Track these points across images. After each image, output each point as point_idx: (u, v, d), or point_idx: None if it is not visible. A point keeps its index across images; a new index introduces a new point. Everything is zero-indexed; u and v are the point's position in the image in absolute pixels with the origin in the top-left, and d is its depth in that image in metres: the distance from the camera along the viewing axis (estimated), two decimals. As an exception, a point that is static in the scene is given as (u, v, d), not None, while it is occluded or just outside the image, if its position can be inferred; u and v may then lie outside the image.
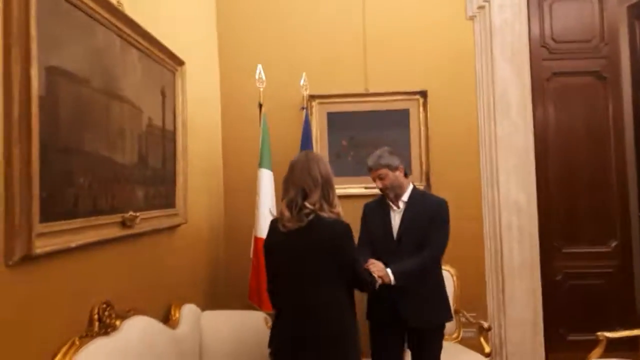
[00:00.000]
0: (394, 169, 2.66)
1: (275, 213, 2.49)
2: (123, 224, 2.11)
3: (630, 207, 4.05)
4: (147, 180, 2.37)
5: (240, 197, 3.78)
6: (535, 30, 3.94)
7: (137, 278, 2.33)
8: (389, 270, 2.49)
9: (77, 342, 1.75)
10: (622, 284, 4.01)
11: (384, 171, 2.65)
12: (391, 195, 2.68)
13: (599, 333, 3.11)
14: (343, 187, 3.80)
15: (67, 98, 1.74)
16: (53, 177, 1.64)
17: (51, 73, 1.64)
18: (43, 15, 1.60)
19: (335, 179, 3.71)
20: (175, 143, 2.71)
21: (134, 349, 1.97)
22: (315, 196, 2.05)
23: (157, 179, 2.50)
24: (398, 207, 2.70)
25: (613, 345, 3.12)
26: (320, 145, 3.86)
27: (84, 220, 1.81)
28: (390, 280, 2.47)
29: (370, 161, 2.70)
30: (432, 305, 2.66)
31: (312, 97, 3.82)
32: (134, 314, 2.13)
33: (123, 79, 2.16)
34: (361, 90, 3.87)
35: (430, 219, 2.62)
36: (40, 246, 1.54)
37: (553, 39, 3.97)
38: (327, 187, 2.10)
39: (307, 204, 2.03)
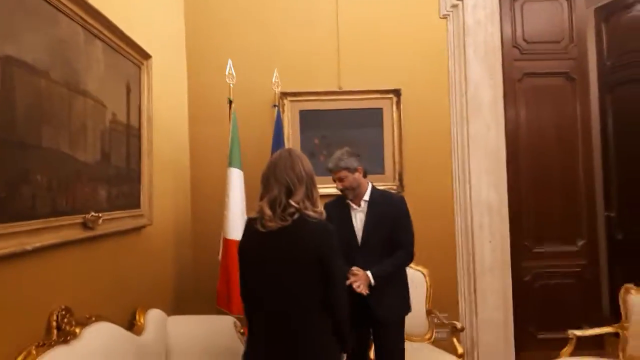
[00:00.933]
0: (353, 170, 2.70)
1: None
2: (84, 226, 1.99)
3: (597, 206, 4.13)
4: (110, 179, 2.25)
5: (209, 197, 3.66)
6: (507, 30, 3.97)
7: (99, 282, 2.21)
8: (369, 273, 2.60)
9: (34, 352, 1.63)
10: (589, 283, 4.08)
11: (343, 173, 2.70)
12: (350, 195, 2.74)
13: (569, 331, 3.15)
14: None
15: (24, 90, 1.62)
16: (7, 174, 1.52)
17: (6, 63, 1.52)
18: (0, 2, 1.48)
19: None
20: (140, 140, 2.59)
21: (95, 357, 1.86)
22: (300, 194, 1.93)
23: (121, 177, 2.38)
24: (359, 206, 2.76)
25: (581, 343, 3.18)
26: (292, 144, 3.78)
27: (42, 222, 1.69)
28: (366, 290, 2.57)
29: (331, 163, 2.75)
30: (398, 298, 2.78)
31: (284, 95, 3.74)
32: (95, 321, 2.01)
33: (86, 72, 2.04)
34: (334, 88, 3.82)
35: (394, 217, 2.71)
36: (-7, 249, 1.43)
37: (524, 40, 4.00)
38: (310, 186, 1.99)
39: (292, 202, 1.91)
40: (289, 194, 1.93)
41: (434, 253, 3.77)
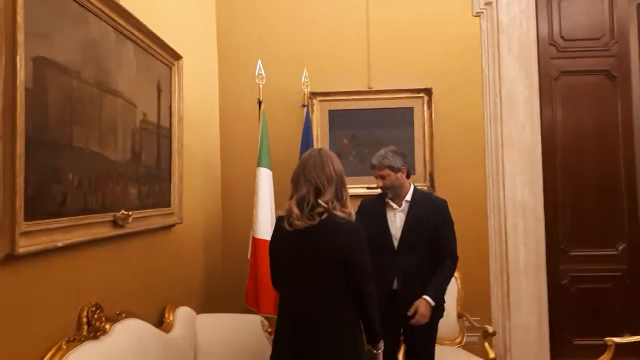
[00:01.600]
0: (396, 170, 2.67)
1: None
2: (114, 223, 2.03)
3: (638, 209, 3.95)
4: (140, 178, 2.28)
5: (239, 196, 3.69)
6: (544, 27, 3.85)
7: (129, 279, 2.25)
8: (427, 298, 2.56)
9: (64, 347, 1.67)
10: (629, 288, 3.91)
11: (386, 171, 2.66)
12: (390, 194, 2.70)
13: (607, 338, 3.02)
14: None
15: (56, 90, 1.66)
16: (40, 173, 1.56)
17: (39, 64, 1.56)
18: (32, 3, 1.52)
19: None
20: (171, 140, 2.62)
21: (124, 353, 1.89)
22: (329, 194, 1.91)
23: (151, 176, 2.42)
24: (399, 206, 2.70)
25: (620, 351, 3.04)
26: (321, 144, 3.77)
27: (73, 219, 1.73)
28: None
29: (375, 160, 2.71)
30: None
31: (313, 95, 3.73)
32: (125, 317, 2.05)
33: (117, 73, 2.08)
34: (364, 88, 3.79)
35: (435, 220, 2.65)
36: (24, 245, 1.46)
37: (562, 37, 3.87)
38: (340, 186, 1.96)
39: (320, 202, 1.89)
40: (318, 193, 1.91)
41: (466, 255, 3.63)
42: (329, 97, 3.78)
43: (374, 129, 3.79)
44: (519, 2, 3.69)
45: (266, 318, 2.85)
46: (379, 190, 2.77)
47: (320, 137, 3.79)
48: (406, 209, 2.69)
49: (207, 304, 3.31)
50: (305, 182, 1.93)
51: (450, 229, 2.70)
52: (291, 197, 1.98)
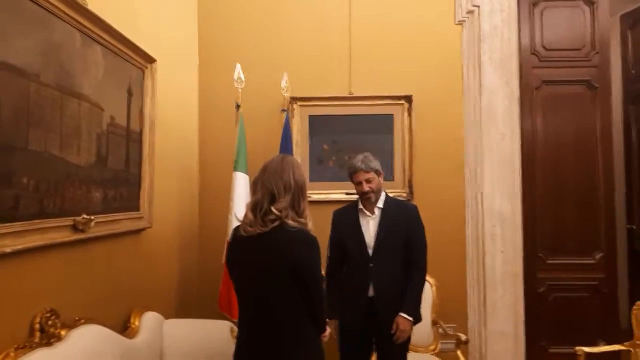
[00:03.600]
0: (379, 174, 2.71)
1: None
2: (74, 228, 2.00)
3: (616, 219, 3.96)
4: (106, 182, 2.26)
5: (217, 200, 3.66)
6: (526, 37, 3.84)
7: (91, 284, 2.22)
8: (405, 316, 2.60)
9: (13, 354, 1.65)
10: (606, 297, 3.91)
11: (372, 174, 2.66)
12: (373, 199, 2.68)
13: (577, 348, 3.03)
14: (324, 192, 3.72)
15: (11, 93, 1.64)
16: (-10, 177, 1.54)
17: (-8, 66, 1.54)
18: (-16, 5, 1.50)
19: (315, 184, 3.68)
20: (142, 144, 2.60)
21: (78, 359, 1.86)
22: (284, 202, 1.87)
23: (119, 180, 2.39)
24: (372, 214, 2.70)
25: (596, 359, 3.06)
26: (300, 149, 3.76)
27: (26, 224, 1.70)
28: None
29: (362, 163, 2.67)
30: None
31: (293, 99, 3.72)
32: (84, 323, 2.03)
33: (82, 76, 2.06)
34: (345, 94, 3.78)
35: (407, 226, 2.67)
36: (-31, 252, 1.44)
37: (543, 47, 3.87)
38: (298, 195, 1.92)
39: (273, 209, 1.86)
40: (272, 200, 1.88)
41: (443, 262, 3.67)
42: (309, 102, 3.77)
43: (355, 135, 3.78)
44: (501, 11, 3.69)
45: (235, 323, 2.83)
46: (356, 196, 2.79)
47: (300, 142, 3.78)
48: (379, 216, 2.69)
49: (180, 310, 3.29)
50: (262, 187, 1.91)
51: (421, 238, 2.72)
52: (249, 201, 1.97)
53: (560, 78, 3.87)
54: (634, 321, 2.97)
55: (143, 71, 2.63)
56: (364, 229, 2.70)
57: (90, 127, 2.12)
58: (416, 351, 3.35)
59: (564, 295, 3.91)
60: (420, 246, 2.71)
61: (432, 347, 3.43)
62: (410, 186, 3.76)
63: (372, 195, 2.67)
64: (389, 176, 3.78)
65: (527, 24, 3.86)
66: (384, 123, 3.79)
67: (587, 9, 3.88)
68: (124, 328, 2.43)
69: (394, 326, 2.58)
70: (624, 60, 4.27)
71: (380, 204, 2.71)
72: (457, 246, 3.78)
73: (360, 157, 2.70)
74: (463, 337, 3.28)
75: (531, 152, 3.85)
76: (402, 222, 2.67)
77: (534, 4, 3.88)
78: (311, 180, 3.63)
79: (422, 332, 3.38)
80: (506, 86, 3.71)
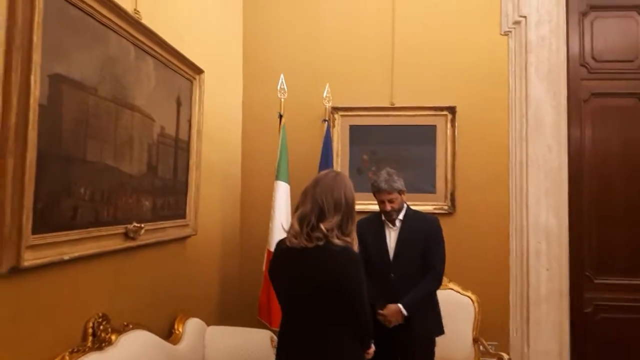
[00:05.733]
0: (402, 192, 2.74)
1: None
2: (126, 235, 2.06)
3: (670, 239, 3.78)
4: (155, 191, 2.32)
5: (259, 209, 3.70)
6: (575, 48, 3.74)
7: (139, 291, 2.28)
8: (400, 306, 2.61)
9: (67, 357, 1.70)
10: (658, 320, 3.74)
11: (395, 195, 2.70)
12: (395, 216, 2.74)
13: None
14: (363, 203, 3.69)
15: (72, 106, 1.71)
16: (50, 187, 1.60)
17: (55, 81, 1.61)
18: (49, 21, 1.57)
19: (355, 195, 3.67)
20: (189, 153, 2.66)
21: (128, 365, 1.91)
22: (333, 221, 1.85)
23: (167, 189, 2.45)
24: (394, 225, 2.76)
25: None
26: (341, 159, 3.76)
27: (83, 232, 1.76)
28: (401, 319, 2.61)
29: (385, 184, 2.70)
30: (427, 318, 2.73)
31: (334, 109, 3.73)
32: (133, 329, 2.08)
33: (135, 87, 2.12)
34: (386, 104, 3.76)
35: (425, 237, 2.72)
36: (30, 259, 1.50)
37: (593, 58, 3.75)
38: (347, 216, 1.90)
39: (321, 227, 1.84)
40: (321, 216, 1.86)
41: (485, 278, 3.61)
42: (351, 113, 3.77)
43: (395, 145, 3.75)
44: (549, 21, 3.61)
45: (275, 332, 2.85)
46: None
47: (340, 152, 3.78)
48: (399, 227, 2.75)
49: (221, 316, 3.33)
50: (312, 200, 1.89)
51: (439, 244, 2.75)
52: (296, 209, 1.95)
53: (610, 90, 3.75)
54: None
55: (191, 82, 2.69)
56: (387, 239, 2.77)
57: (142, 138, 2.19)
58: (457, 368, 3.29)
59: (613, 316, 3.75)
60: (439, 253, 2.74)
61: (472, 365, 3.35)
62: (453, 199, 3.70)
63: (394, 213, 2.73)
64: (431, 188, 3.73)
65: (577, 34, 3.76)
66: (426, 134, 3.75)
67: (639, 18, 3.75)
68: (169, 334, 2.48)
69: (385, 309, 2.61)
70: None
71: (401, 216, 2.77)
72: (500, 261, 3.69)
73: (384, 175, 2.73)
74: (505, 356, 3.19)
75: (579, 166, 3.73)
76: (422, 232, 2.73)
77: (584, 14, 3.77)
78: (351, 191, 3.62)
79: (462, 349, 3.32)
80: (553, 98, 3.62)
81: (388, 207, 2.69)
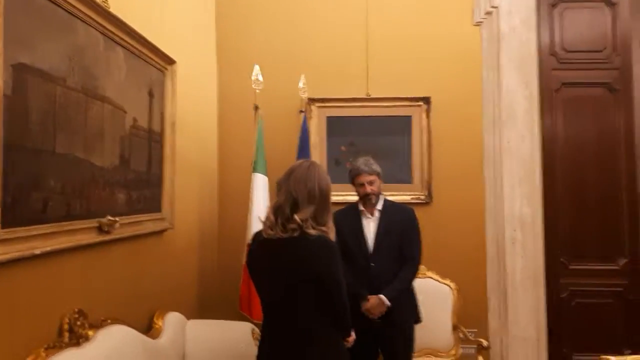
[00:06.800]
0: (381, 176, 2.80)
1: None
2: (100, 229, 2.02)
3: (638, 224, 3.89)
4: (129, 184, 2.28)
5: (236, 201, 3.69)
6: (545, 38, 3.79)
7: (116, 285, 2.24)
8: (382, 297, 2.64)
9: (43, 354, 1.66)
10: (631, 304, 3.84)
11: (374, 177, 2.76)
12: (374, 200, 2.78)
13: (603, 356, 2.96)
14: (341, 194, 3.71)
15: (39, 97, 1.66)
16: (19, 180, 1.56)
17: (19, 71, 1.56)
18: (13, 11, 1.52)
19: (333, 186, 3.67)
20: (163, 145, 2.62)
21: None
22: (307, 212, 1.85)
23: (141, 182, 2.42)
24: (372, 215, 2.80)
25: None
26: (318, 150, 3.77)
27: (55, 225, 1.72)
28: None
29: (365, 166, 2.76)
30: (404, 306, 2.76)
31: (311, 101, 3.73)
32: (110, 324, 2.04)
33: (105, 78, 2.08)
34: (362, 95, 3.77)
35: (404, 227, 2.79)
36: (0, 253, 1.45)
37: (563, 48, 3.81)
38: (322, 206, 1.90)
39: (296, 218, 1.84)
40: (294, 207, 1.86)
41: (462, 266, 3.67)
42: (327, 104, 3.78)
43: (372, 136, 3.78)
44: (519, 11, 3.64)
45: (259, 324, 2.84)
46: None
47: (318, 144, 3.78)
48: (378, 217, 2.80)
49: (201, 310, 3.31)
50: (286, 191, 1.90)
51: (417, 234, 2.83)
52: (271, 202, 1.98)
53: (580, 80, 3.81)
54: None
55: (164, 73, 2.66)
56: (365, 229, 2.79)
57: (113, 129, 2.15)
58: (437, 356, 3.34)
59: (587, 301, 3.83)
60: (416, 242, 2.82)
61: (452, 352, 3.41)
62: (429, 189, 3.75)
63: (374, 197, 2.77)
64: (407, 179, 3.77)
65: (547, 25, 3.81)
66: (402, 125, 3.78)
67: (608, 10, 3.83)
68: (148, 328, 2.45)
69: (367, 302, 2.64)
70: (646, 61, 4.19)
71: (379, 206, 2.81)
72: (477, 250, 3.74)
73: (362, 160, 2.81)
74: (484, 342, 3.26)
75: (551, 155, 3.79)
76: (400, 222, 2.79)
77: (553, 5, 3.83)
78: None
79: (442, 336, 3.38)
80: (525, 88, 3.66)
81: (368, 189, 2.72)
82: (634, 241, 3.83)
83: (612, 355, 2.95)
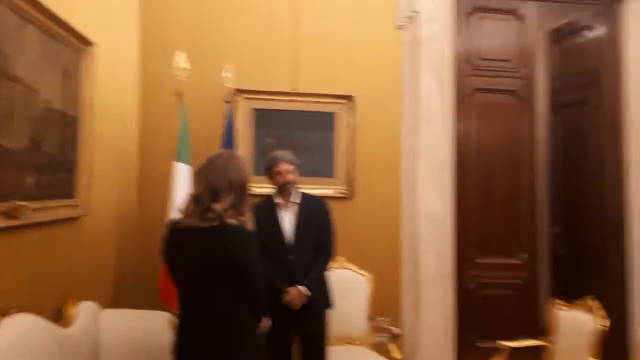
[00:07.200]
0: (297, 170, 2.90)
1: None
2: (6, 214, 1.94)
3: (537, 223, 4.26)
4: (41, 168, 2.20)
5: (158, 189, 3.57)
6: (462, 45, 4.05)
7: (25, 273, 2.16)
8: (302, 288, 2.76)
9: None
10: (527, 295, 4.21)
11: (293, 167, 2.87)
12: (291, 190, 2.88)
13: (499, 342, 3.25)
14: (268, 187, 3.74)
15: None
16: None
17: None
18: None
19: (259, 178, 3.71)
20: (79, 128, 2.54)
21: (9, 349, 1.80)
22: (226, 202, 1.89)
23: (54, 166, 2.33)
24: (288, 207, 2.91)
25: (519, 353, 3.30)
26: (244, 142, 3.76)
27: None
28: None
29: (287, 155, 2.88)
30: (320, 295, 2.89)
31: (238, 91, 3.71)
32: (16, 312, 1.96)
33: (16, 58, 1.99)
34: (289, 89, 3.82)
35: (320, 219, 2.93)
36: None
37: (477, 56, 4.10)
38: (240, 195, 1.95)
39: (214, 207, 1.88)
40: (214, 196, 1.89)
41: (380, 258, 3.82)
42: (254, 95, 3.79)
43: (298, 130, 3.84)
44: (438, 18, 3.85)
45: (175, 314, 2.82)
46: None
47: (244, 135, 3.78)
48: (295, 210, 2.90)
49: (119, 299, 3.21)
50: (205, 181, 1.93)
51: (331, 225, 2.97)
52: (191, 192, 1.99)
53: (491, 87, 4.13)
54: (549, 317, 3.22)
55: (80, 54, 2.56)
56: (281, 222, 2.88)
57: (24, 111, 2.06)
58: (352, 343, 3.46)
59: (491, 292, 4.16)
60: (330, 233, 2.96)
61: (367, 340, 3.53)
62: (351, 184, 3.86)
63: (292, 186, 2.88)
64: (330, 173, 3.87)
65: (463, 32, 4.07)
66: (327, 120, 3.88)
67: (516, 23, 4.16)
68: (59, 317, 2.36)
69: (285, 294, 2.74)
70: (550, 73, 4.59)
71: (296, 199, 2.91)
72: (393, 243, 3.93)
73: (280, 151, 2.94)
74: (396, 330, 3.44)
75: (464, 156, 4.06)
76: (317, 214, 2.93)
77: (470, 14, 4.10)
78: (255, 174, 3.61)
79: (358, 325, 3.51)
80: (442, 91, 3.88)
81: (289, 176, 2.82)
82: (532, 238, 4.21)
83: (508, 342, 3.26)
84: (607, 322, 2.93)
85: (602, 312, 2.96)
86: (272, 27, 3.83)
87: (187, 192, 3.19)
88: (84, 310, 2.51)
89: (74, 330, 2.36)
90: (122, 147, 3.40)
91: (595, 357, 2.90)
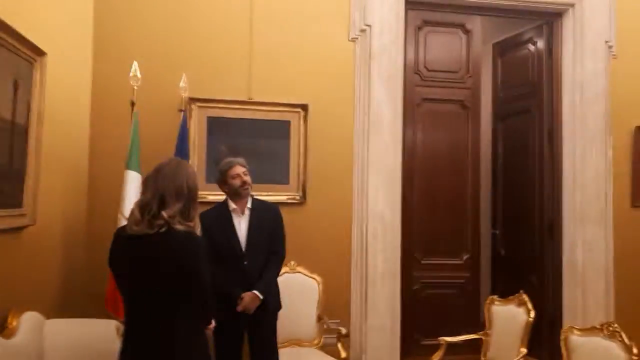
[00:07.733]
0: (251, 173, 3.01)
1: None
2: (-50, 226, 1.93)
3: (479, 225, 4.50)
4: (-13, 178, 2.19)
5: (108, 198, 3.56)
6: (410, 57, 4.23)
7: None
8: (257, 293, 2.83)
9: None
10: (470, 294, 4.45)
11: (246, 170, 2.97)
12: (248, 194, 2.97)
13: (440, 338, 3.44)
14: (220, 194, 3.78)
15: None
16: None
17: None
18: None
19: (212, 186, 3.76)
20: (28, 138, 2.52)
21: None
22: (175, 208, 1.89)
23: (1, 175, 2.31)
24: (243, 213, 2.97)
25: (460, 348, 3.52)
26: (197, 150, 3.79)
27: None
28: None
29: (238, 159, 2.98)
30: (271, 296, 2.99)
31: (192, 100, 3.74)
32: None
33: (-37, 68, 1.98)
34: (244, 98, 3.87)
35: (272, 223, 3.02)
36: None
37: (425, 67, 4.29)
38: (189, 202, 1.96)
39: (163, 214, 1.88)
40: (162, 203, 1.90)
41: (331, 261, 3.94)
42: (208, 104, 3.81)
43: (252, 139, 3.89)
44: (389, 31, 3.99)
45: (122, 322, 2.83)
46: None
47: (198, 144, 3.80)
48: (248, 216, 2.97)
49: (65, 309, 3.18)
50: (153, 188, 1.93)
51: (282, 229, 3.07)
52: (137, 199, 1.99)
53: (438, 97, 4.33)
54: (485, 313, 3.45)
55: (32, 64, 2.55)
56: (236, 228, 2.94)
57: (-30, 121, 2.05)
58: (301, 345, 3.57)
59: (436, 292, 4.38)
60: (282, 238, 3.06)
61: (316, 342, 3.64)
62: (304, 190, 3.96)
63: (249, 189, 2.95)
64: (284, 180, 3.96)
65: (412, 45, 4.25)
66: (281, 129, 3.94)
67: (463, 36, 4.37)
68: (2, 329, 2.35)
69: (241, 302, 2.81)
70: (494, 84, 4.84)
71: (249, 204, 2.99)
72: (344, 246, 4.04)
73: (234, 158, 3.00)
74: (343, 330, 3.57)
75: (411, 162, 4.24)
76: (269, 219, 3.01)
77: (419, 28, 4.28)
78: (208, 182, 3.65)
79: (307, 327, 3.62)
80: (392, 101, 4.03)
81: (246, 178, 2.91)
82: (475, 239, 4.45)
83: (448, 337, 3.46)
84: (533, 314, 3.12)
85: (530, 304, 3.17)
86: (228, 37, 3.86)
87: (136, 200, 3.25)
88: (28, 321, 2.47)
89: (16, 340, 2.32)
90: (72, 156, 3.37)
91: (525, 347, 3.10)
